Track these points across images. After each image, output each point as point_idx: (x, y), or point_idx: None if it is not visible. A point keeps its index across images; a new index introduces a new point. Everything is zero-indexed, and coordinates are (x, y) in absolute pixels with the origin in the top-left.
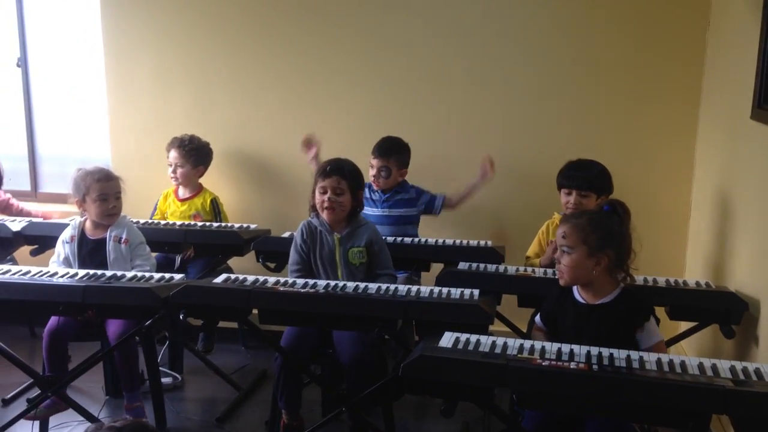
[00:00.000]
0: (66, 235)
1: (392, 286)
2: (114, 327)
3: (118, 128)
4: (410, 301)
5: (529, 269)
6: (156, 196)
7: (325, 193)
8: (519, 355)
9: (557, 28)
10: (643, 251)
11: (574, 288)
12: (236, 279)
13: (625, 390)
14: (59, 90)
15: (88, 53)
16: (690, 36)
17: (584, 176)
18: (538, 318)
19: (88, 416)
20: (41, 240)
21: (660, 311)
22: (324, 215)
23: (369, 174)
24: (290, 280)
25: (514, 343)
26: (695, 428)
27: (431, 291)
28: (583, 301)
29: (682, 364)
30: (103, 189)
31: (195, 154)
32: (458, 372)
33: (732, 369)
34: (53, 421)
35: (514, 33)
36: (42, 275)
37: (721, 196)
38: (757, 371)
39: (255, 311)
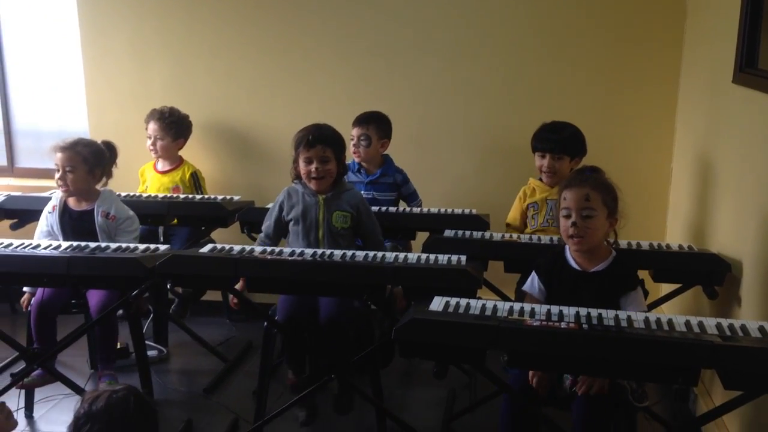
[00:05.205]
0: (48, 206)
1: (380, 253)
2: (95, 299)
3: (95, 101)
4: (398, 267)
5: (515, 235)
6: (136, 169)
7: (310, 163)
8: (509, 317)
9: (539, 1)
10: (624, 217)
11: (567, 253)
12: (222, 248)
13: (616, 347)
14: (35, 63)
15: (63, 25)
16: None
17: (557, 139)
18: (531, 283)
19: (75, 388)
20: (21, 214)
21: (644, 274)
22: (312, 185)
23: (350, 146)
24: (277, 249)
25: (503, 305)
26: (684, 383)
27: (419, 257)
28: (578, 268)
29: (669, 322)
30: (56, 159)
31: (175, 126)
32: (451, 334)
33: (718, 326)
34: (39, 394)
35: (497, 5)
36: (25, 247)
37: (702, 161)
38: (743, 327)
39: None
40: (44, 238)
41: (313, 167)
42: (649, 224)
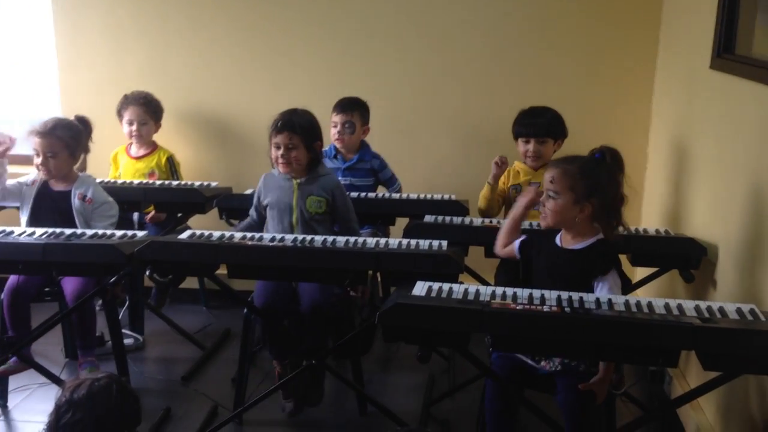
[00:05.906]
0: (29, 178)
1: (361, 239)
2: (71, 287)
3: (68, 87)
4: (380, 252)
5: (495, 220)
6: (109, 155)
7: (278, 148)
8: (492, 301)
9: None
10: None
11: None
12: (202, 234)
13: (597, 330)
14: (6, 48)
15: (36, 9)
16: None
17: (541, 123)
18: (516, 243)
19: (51, 377)
20: None
21: (622, 258)
22: (280, 169)
23: (331, 133)
24: (257, 235)
25: (486, 290)
26: (664, 364)
27: (400, 243)
28: (558, 244)
29: (649, 304)
30: (35, 144)
31: (158, 110)
32: (435, 318)
33: (697, 308)
34: (13, 383)
35: None
36: None
37: (678, 146)
38: (721, 309)
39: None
40: (9, 192)
41: (279, 152)
42: (625, 209)
